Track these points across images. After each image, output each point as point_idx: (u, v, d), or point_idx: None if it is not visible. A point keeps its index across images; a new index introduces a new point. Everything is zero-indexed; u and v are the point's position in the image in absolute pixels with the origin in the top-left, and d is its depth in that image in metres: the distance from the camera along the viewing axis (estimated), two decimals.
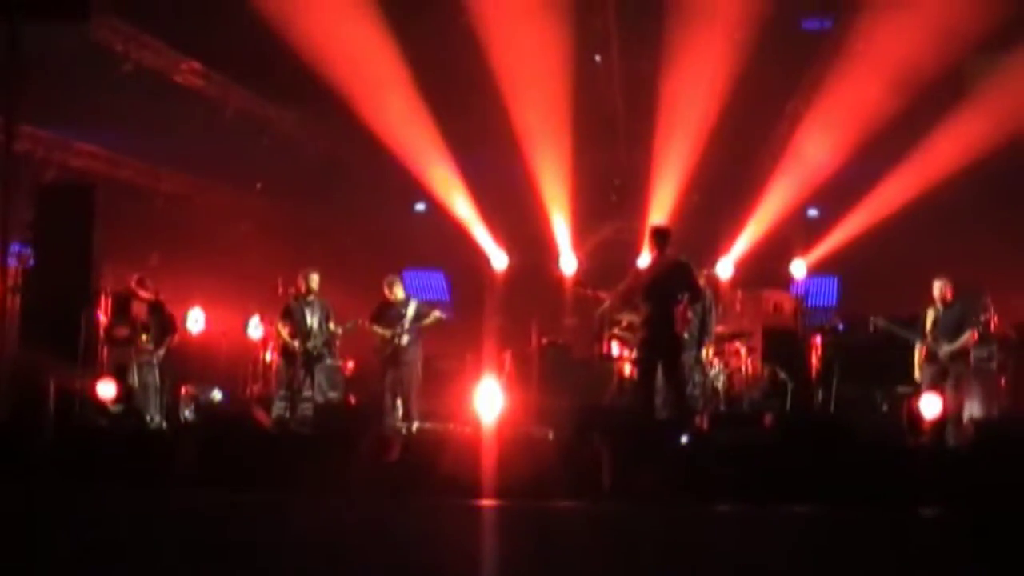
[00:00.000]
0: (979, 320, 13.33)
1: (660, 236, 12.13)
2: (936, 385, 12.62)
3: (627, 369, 14.19)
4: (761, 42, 16.37)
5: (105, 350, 13.66)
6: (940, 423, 12.35)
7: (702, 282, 13.28)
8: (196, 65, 16.19)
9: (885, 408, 13.98)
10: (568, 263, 18.07)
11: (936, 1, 15.34)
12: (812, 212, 19.24)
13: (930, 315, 12.85)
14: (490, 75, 16.59)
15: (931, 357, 12.76)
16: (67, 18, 11.46)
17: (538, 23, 15.67)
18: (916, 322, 13.05)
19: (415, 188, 18.78)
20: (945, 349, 12.67)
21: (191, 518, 8.54)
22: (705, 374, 13.77)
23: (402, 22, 16.08)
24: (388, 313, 13.99)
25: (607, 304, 13.62)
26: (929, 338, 12.74)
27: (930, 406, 12.33)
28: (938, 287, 12.82)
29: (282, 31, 15.34)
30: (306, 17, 15.38)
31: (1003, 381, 14.39)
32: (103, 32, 14.32)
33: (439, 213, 18.96)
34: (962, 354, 12.78)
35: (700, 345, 13.13)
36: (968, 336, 12.78)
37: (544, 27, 15.75)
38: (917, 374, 12.84)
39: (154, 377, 13.77)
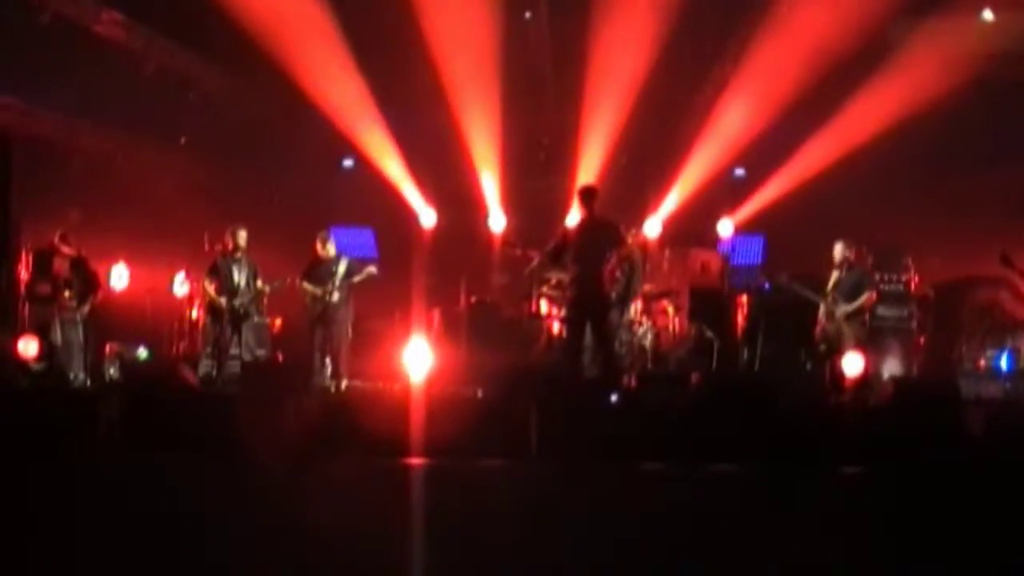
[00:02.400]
0: (875, 283, 13.53)
1: (588, 195, 12.21)
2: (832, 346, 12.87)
3: (556, 327, 14.24)
4: (688, 2, 16.43)
5: (27, 307, 13.45)
6: (861, 381, 12.58)
7: (630, 240, 13.37)
8: (117, 15, 15.83)
9: (808, 367, 14.17)
10: (497, 221, 18.05)
11: None
12: (739, 172, 19.35)
13: (832, 276, 13.10)
14: (419, 31, 16.41)
15: (829, 317, 13.00)
16: None
17: None
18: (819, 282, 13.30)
19: (343, 144, 18.57)
20: (842, 309, 12.90)
21: (112, 483, 8.44)
22: (633, 332, 13.86)
23: None
24: (319, 270, 13.90)
25: (536, 263, 13.68)
26: (829, 298, 12.97)
27: (853, 364, 12.56)
28: (839, 250, 13.12)
29: None
30: None
31: (921, 340, 14.67)
32: None
33: (367, 169, 18.77)
34: (857, 315, 12.98)
35: (626, 303, 13.19)
36: (865, 298, 13.00)
37: None
38: (817, 332, 13.06)
39: (77, 335, 13.59)
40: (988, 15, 17.35)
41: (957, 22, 17.08)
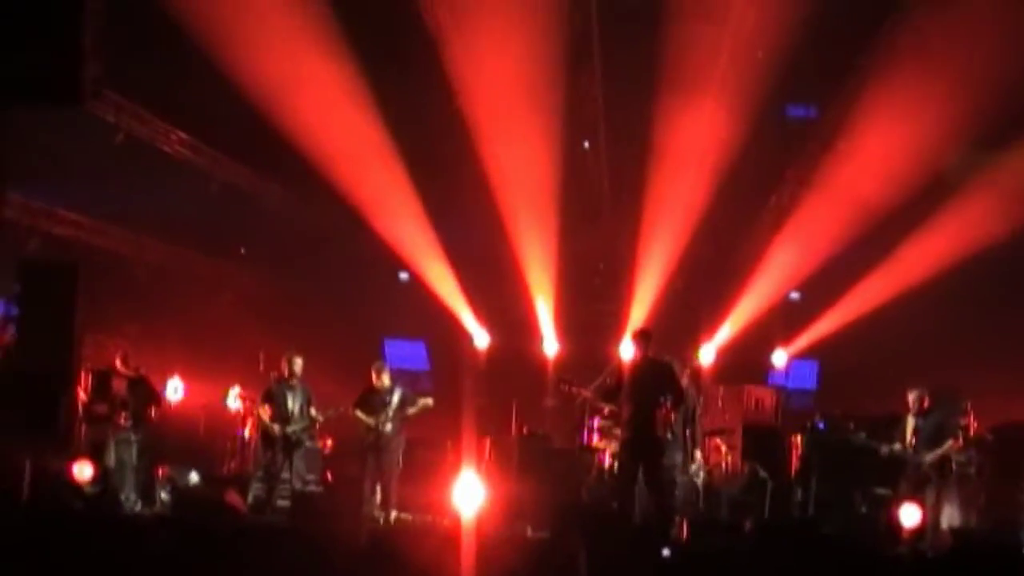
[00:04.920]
0: (958, 426, 13.38)
1: (643, 337, 12.23)
2: (916, 494, 12.64)
3: (607, 460, 14.15)
4: (747, 128, 16.57)
5: (83, 427, 13.57)
6: (919, 532, 12.35)
7: (686, 381, 13.32)
8: (185, 136, 16.20)
9: (864, 510, 13.93)
10: (551, 345, 18.07)
11: (919, 97, 15.52)
12: (793, 295, 19.31)
13: (909, 423, 12.88)
14: (478, 156, 16.71)
15: (912, 466, 12.78)
16: (59, 102, 11.38)
17: (528, 109, 15.78)
18: (895, 426, 13.09)
19: (399, 259, 18.77)
20: (926, 457, 12.69)
21: None
22: (687, 472, 13.74)
23: (393, 103, 16.19)
24: (373, 399, 13.93)
25: (588, 396, 13.66)
26: (909, 448, 12.77)
27: (910, 515, 12.32)
28: (914, 397, 12.88)
29: (271, 106, 15.41)
30: (295, 93, 15.43)
31: (981, 486, 14.41)
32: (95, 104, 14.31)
33: (423, 285, 18.94)
34: (944, 463, 12.80)
35: (685, 447, 13.11)
36: (949, 445, 12.81)
37: (534, 113, 15.86)
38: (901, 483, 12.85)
39: (131, 455, 13.68)
40: None
41: (1012, 157, 17.11)
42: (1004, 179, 16.87)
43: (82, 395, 13.57)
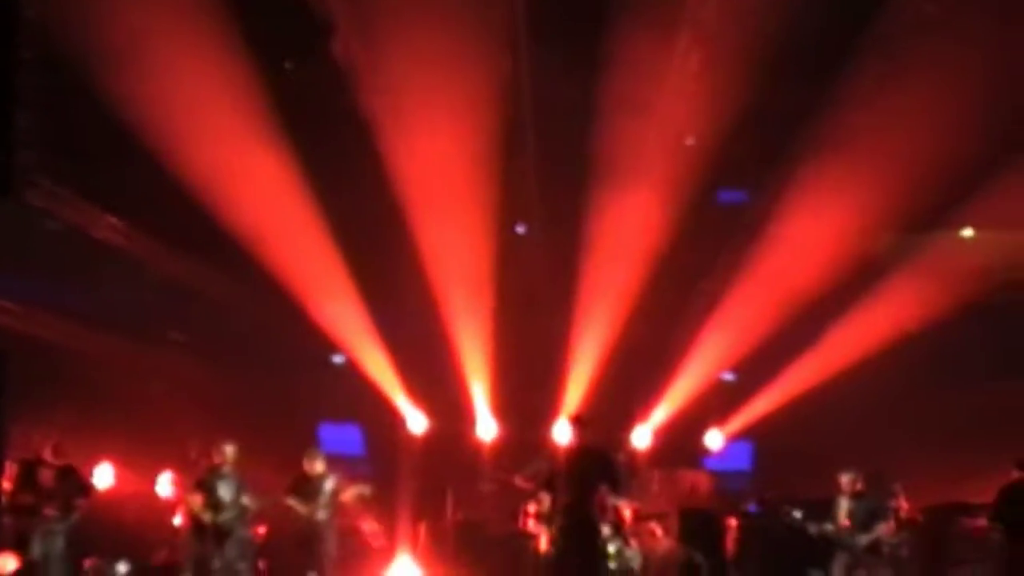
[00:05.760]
0: (890, 509, 13.51)
1: (578, 424, 12.23)
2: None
3: (544, 546, 14.06)
4: (679, 214, 16.78)
5: (8, 519, 13.29)
6: None
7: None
8: (117, 222, 16.11)
9: None
10: (487, 429, 18.01)
11: (847, 180, 15.85)
12: (728, 376, 19.42)
13: (843, 505, 13.00)
14: (414, 240, 16.77)
15: (846, 547, 12.86)
16: None
17: (463, 194, 15.91)
18: (829, 507, 13.18)
19: (333, 342, 18.67)
20: (861, 541, 12.78)
21: None
22: (623, 556, 13.69)
23: (329, 188, 16.26)
24: (306, 487, 13.82)
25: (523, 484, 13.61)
26: (843, 531, 12.85)
27: None
28: (846, 480, 13.02)
29: (205, 193, 15.41)
30: (230, 180, 15.45)
31: (914, 568, 14.52)
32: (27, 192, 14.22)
33: (357, 368, 18.83)
34: (876, 545, 12.89)
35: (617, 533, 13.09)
36: (881, 527, 12.92)
37: (469, 198, 15.99)
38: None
39: (57, 547, 13.42)
40: (968, 232, 17.80)
41: (940, 238, 17.50)
42: (933, 262, 17.22)
43: (7, 486, 13.31)
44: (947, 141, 14.74)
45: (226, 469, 13.71)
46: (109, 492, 15.65)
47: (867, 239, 17.20)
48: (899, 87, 14.95)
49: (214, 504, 13.58)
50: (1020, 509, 13.08)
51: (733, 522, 15.18)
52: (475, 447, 18.03)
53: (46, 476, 13.53)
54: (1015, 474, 13.36)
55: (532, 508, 14.25)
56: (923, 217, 16.78)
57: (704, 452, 18.01)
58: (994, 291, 17.25)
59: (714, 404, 18.75)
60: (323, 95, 15.29)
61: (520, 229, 17.14)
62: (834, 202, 16.08)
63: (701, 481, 16.17)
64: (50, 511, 13.40)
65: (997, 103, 14.75)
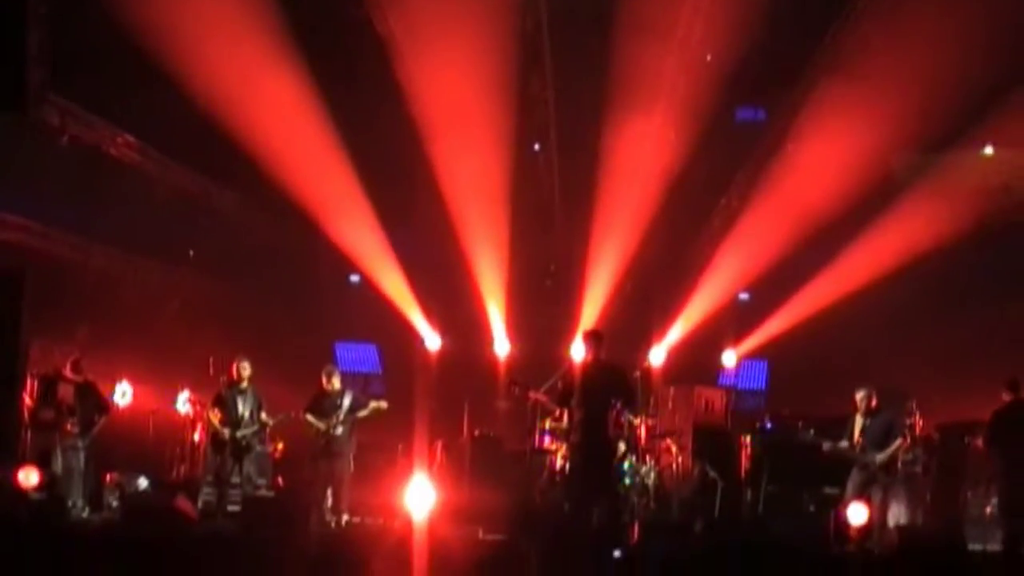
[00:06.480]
0: (905, 426, 13.54)
1: (594, 339, 12.18)
2: (864, 493, 12.76)
3: (558, 462, 14.18)
4: (697, 132, 16.67)
5: (29, 434, 13.44)
6: (866, 530, 12.47)
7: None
8: (132, 139, 16.06)
9: (812, 508, 14.09)
10: (502, 347, 18.09)
11: (865, 99, 15.68)
12: (743, 296, 19.45)
13: (857, 423, 12.97)
14: (430, 160, 16.73)
15: (860, 465, 12.90)
16: (3, 108, 11.26)
17: (480, 113, 15.81)
18: (843, 426, 13.20)
19: (350, 262, 18.72)
20: (875, 458, 12.80)
21: None
22: (637, 472, 13.80)
23: (344, 108, 16.17)
24: (324, 403, 13.91)
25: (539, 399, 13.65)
26: (857, 447, 12.87)
27: (858, 514, 12.43)
28: (861, 397, 12.95)
29: (221, 111, 15.34)
30: (246, 98, 15.36)
31: (927, 484, 14.59)
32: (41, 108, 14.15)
33: (374, 288, 18.89)
34: (891, 462, 12.94)
35: (636, 449, 13.18)
36: (896, 444, 12.94)
37: (485, 117, 15.89)
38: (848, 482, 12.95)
39: (78, 462, 13.60)
40: (989, 150, 17.63)
41: (959, 157, 17.34)
42: (951, 181, 17.10)
43: (28, 401, 13.45)
44: (968, 59, 14.53)
45: (244, 386, 13.80)
46: (128, 409, 15.82)
47: (885, 158, 17.05)
48: (919, 2, 14.72)
49: (232, 420, 13.70)
50: (1013, 431, 13.04)
51: (747, 439, 15.24)
52: (491, 365, 18.14)
53: (66, 392, 13.65)
54: (1005, 396, 13.29)
55: (548, 425, 14.37)
56: (942, 135, 16.60)
57: (719, 370, 18.06)
58: (1013, 209, 17.16)
59: (730, 324, 18.80)
60: (340, 15, 15.12)
61: (537, 146, 17.02)
62: (852, 120, 15.91)
63: (716, 398, 16.19)
64: (70, 426, 13.54)
65: (1021, 19, 14.53)
